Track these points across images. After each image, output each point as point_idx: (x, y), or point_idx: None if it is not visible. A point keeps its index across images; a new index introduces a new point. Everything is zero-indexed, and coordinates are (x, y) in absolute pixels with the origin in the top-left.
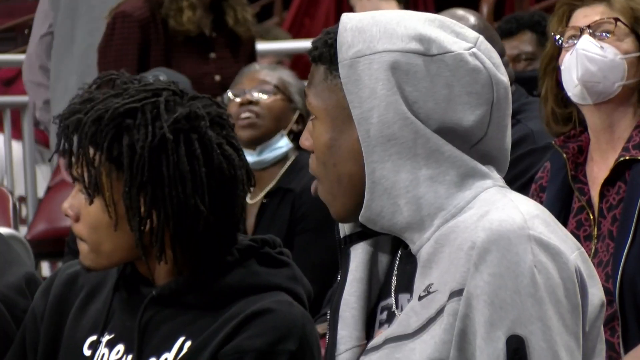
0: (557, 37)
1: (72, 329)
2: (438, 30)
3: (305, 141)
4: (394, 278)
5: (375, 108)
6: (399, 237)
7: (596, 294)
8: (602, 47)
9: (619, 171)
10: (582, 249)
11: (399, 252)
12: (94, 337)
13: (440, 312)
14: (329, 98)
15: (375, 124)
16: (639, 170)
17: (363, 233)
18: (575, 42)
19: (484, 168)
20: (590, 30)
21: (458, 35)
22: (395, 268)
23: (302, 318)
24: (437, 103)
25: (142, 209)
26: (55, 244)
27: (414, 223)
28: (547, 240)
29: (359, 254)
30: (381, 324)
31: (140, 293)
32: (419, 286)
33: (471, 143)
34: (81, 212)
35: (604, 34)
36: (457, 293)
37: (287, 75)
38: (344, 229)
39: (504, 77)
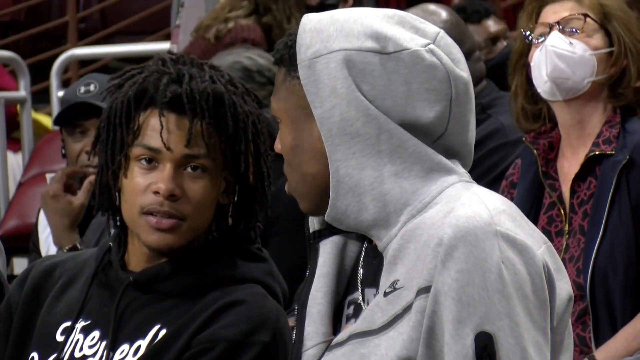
0: (527, 33)
1: (45, 316)
2: (396, 27)
3: (277, 145)
4: (360, 271)
5: (336, 106)
6: (365, 234)
7: (564, 287)
8: (571, 43)
9: (590, 166)
10: (549, 243)
11: (364, 245)
12: (67, 323)
13: (407, 309)
14: (289, 99)
15: (337, 122)
16: (609, 165)
17: (332, 227)
18: (545, 38)
19: (448, 162)
20: (560, 27)
21: (417, 31)
22: (361, 261)
23: (276, 311)
24: (395, 100)
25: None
26: (27, 240)
27: (380, 220)
28: (514, 235)
29: (327, 249)
30: (348, 319)
31: (118, 280)
32: (384, 282)
33: (432, 139)
34: (186, 189)
35: (573, 30)
36: (424, 290)
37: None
38: (314, 224)
39: (463, 72)
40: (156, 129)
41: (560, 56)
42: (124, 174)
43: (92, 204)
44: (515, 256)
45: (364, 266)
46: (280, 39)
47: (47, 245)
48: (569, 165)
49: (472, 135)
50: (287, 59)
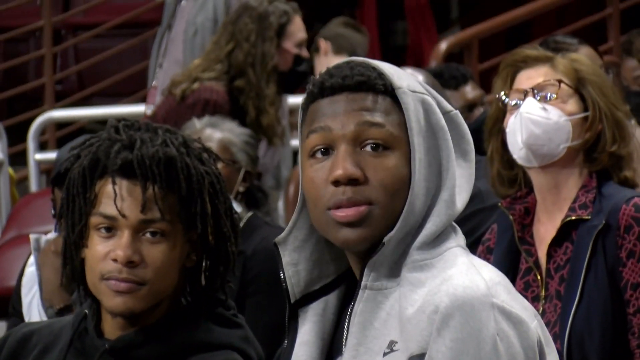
0: (502, 98)
1: None
2: None
3: (357, 170)
4: (344, 336)
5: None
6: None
7: None
8: (546, 109)
9: (566, 231)
10: (539, 317)
11: (350, 308)
12: None
13: None
14: (400, 125)
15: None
16: (585, 230)
17: (311, 296)
18: (520, 104)
19: (452, 225)
20: (534, 92)
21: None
22: (345, 328)
23: None
24: None
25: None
26: (6, 303)
27: (393, 264)
28: (510, 308)
29: (307, 316)
30: None
31: (94, 347)
32: (381, 335)
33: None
34: (145, 255)
35: (548, 95)
36: (417, 357)
37: (229, 132)
38: (294, 293)
39: None
40: (111, 197)
41: (535, 122)
42: (85, 243)
43: None
44: (510, 329)
45: (350, 327)
46: (342, 68)
47: (30, 311)
48: (545, 230)
49: None
50: (374, 81)
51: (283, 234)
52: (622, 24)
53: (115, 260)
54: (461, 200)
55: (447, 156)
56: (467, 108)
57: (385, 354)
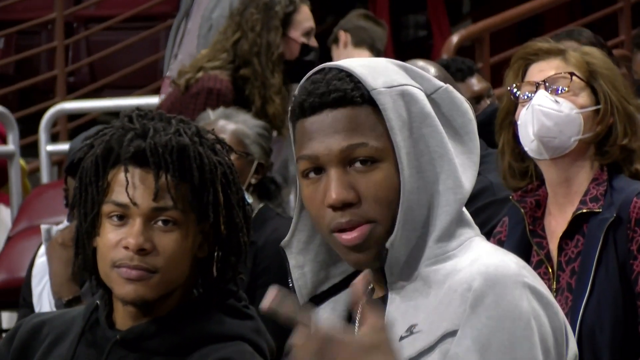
0: (514, 91)
1: None
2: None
3: (349, 194)
4: (356, 329)
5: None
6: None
7: (572, 347)
8: (557, 102)
9: (577, 224)
10: None
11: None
12: None
13: (423, 353)
14: (384, 135)
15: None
16: (596, 223)
17: (319, 297)
18: (531, 96)
19: (468, 215)
20: (546, 85)
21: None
22: (357, 322)
23: None
24: None
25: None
26: (16, 294)
27: (409, 257)
28: (540, 289)
29: (317, 318)
30: None
31: (105, 338)
32: (400, 321)
33: None
34: (157, 243)
35: (559, 88)
36: (450, 334)
37: (243, 123)
38: (302, 295)
39: None
40: (123, 185)
41: (546, 115)
42: (97, 232)
43: None
44: (540, 309)
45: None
46: (315, 84)
47: (41, 301)
48: (556, 224)
49: None
50: (351, 94)
51: (287, 238)
52: (633, 18)
53: (126, 247)
54: (468, 179)
55: (439, 142)
56: (474, 100)
57: (402, 338)
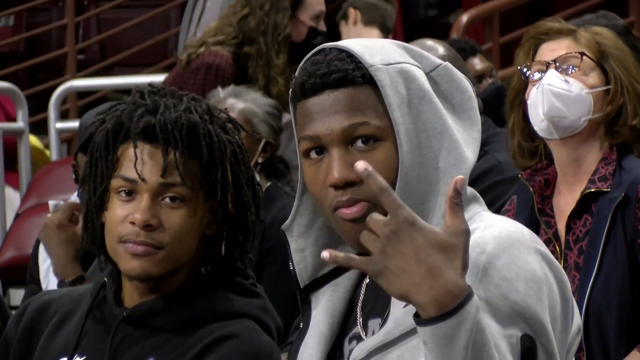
0: (524, 70)
1: (41, 352)
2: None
3: (351, 173)
4: (359, 308)
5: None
6: None
7: (577, 321)
8: (567, 82)
9: (585, 203)
10: None
11: (365, 283)
12: (64, 359)
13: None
14: (384, 114)
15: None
16: (605, 202)
17: (320, 280)
18: (542, 76)
19: (476, 192)
20: (556, 65)
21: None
22: (360, 300)
23: (269, 346)
24: None
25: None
26: (25, 271)
27: None
28: (552, 258)
29: (320, 301)
30: (351, 353)
31: (113, 315)
32: None
33: None
34: (164, 219)
35: (570, 68)
36: None
37: (252, 102)
38: (303, 279)
39: None
40: (132, 160)
41: (556, 95)
42: (106, 207)
43: None
44: (552, 276)
45: (365, 301)
46: (313, 66)
47: (48, 278)
48: (564, 203)
49: None
50: (352, 74)
51: (288, 221)
52: None
53: (133, 223)
54: (472, 150)
55: (438, 119)
56: (476, 79)
57: (406, 304)
